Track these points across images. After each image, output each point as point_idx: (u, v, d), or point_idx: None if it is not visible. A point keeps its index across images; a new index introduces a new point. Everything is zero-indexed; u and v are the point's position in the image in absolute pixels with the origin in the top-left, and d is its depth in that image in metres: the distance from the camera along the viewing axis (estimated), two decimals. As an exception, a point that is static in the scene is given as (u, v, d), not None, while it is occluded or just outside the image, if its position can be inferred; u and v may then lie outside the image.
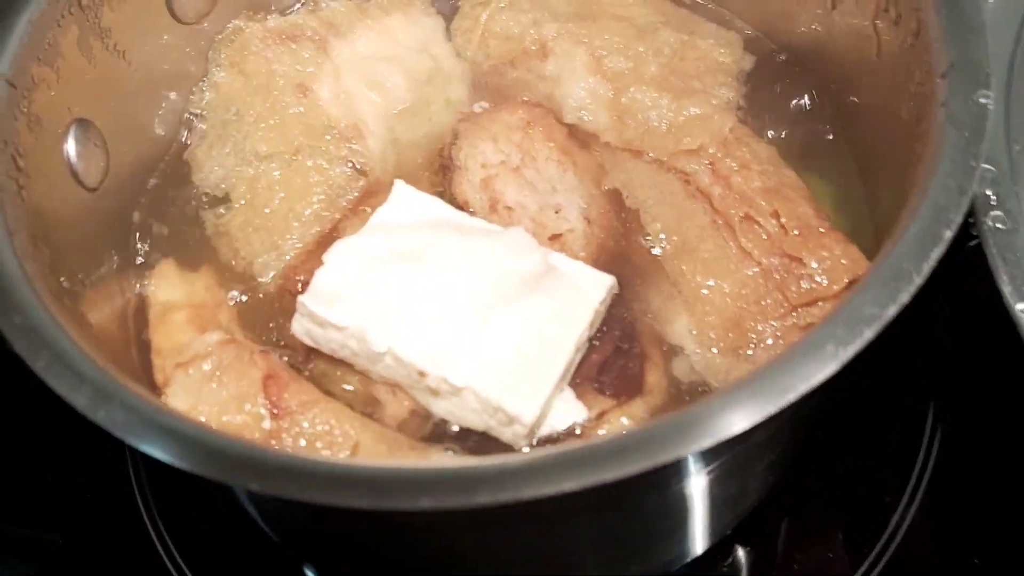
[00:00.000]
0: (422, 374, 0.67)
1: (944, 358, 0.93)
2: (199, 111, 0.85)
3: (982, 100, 0.60)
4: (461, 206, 0.78)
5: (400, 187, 0.76)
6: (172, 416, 0.54)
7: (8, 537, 0.92)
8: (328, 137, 0.81)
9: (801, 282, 0.70)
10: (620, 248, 0.78)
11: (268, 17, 0.88)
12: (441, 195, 0.78)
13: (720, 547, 0.85)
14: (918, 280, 0.53)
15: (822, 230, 0.73)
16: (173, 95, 0.86)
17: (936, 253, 0.54)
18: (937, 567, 0.84)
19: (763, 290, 0.71)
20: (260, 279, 0.77)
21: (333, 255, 0.71)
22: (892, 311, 0.52)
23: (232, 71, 0.85)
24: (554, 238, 0.76)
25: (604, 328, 0.72)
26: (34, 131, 0.70)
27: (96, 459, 0.93)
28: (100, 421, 0.53)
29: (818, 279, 0.70)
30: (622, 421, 0.67)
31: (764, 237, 0.73)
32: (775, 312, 0.71)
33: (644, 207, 0.79)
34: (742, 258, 0.73)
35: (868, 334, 0.51)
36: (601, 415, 0.68)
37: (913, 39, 0.68)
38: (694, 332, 0.72)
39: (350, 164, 0.81)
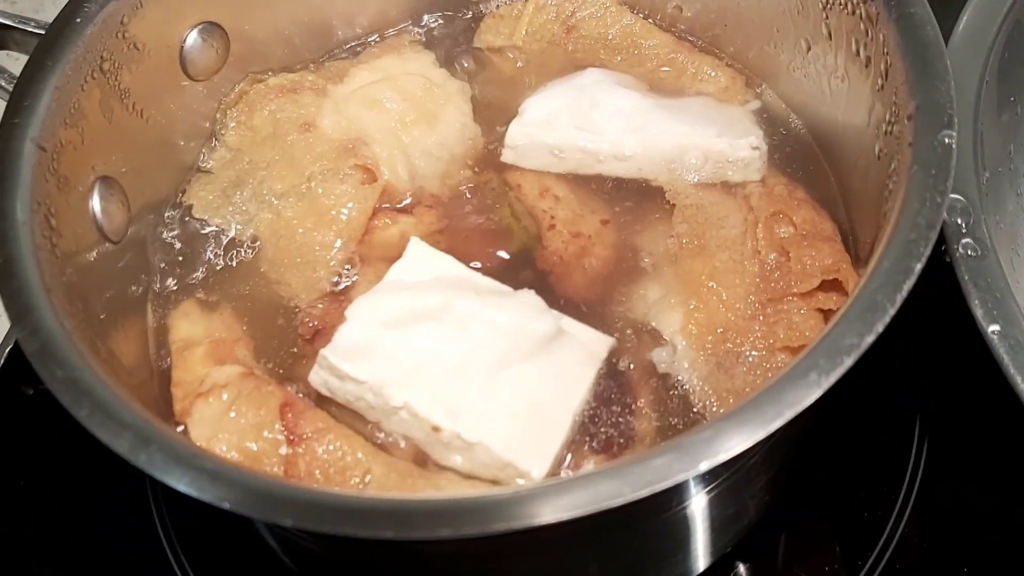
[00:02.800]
0: (436, 429, 0.70)
1: (928, 373, 0.97)
2: (209, 166, 0.90)
3: (947, 140, 0.64)
4: (514, 186, 0.86)
5: (414, 244, 0.80)
6: (207, 458, 0.58)
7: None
8: (335, 155, 0.85)
9: (789, 278, 0.74)
10: (629, 249, 0.83)
11: (270, 75, 0.93)
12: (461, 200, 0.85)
13: (721, 564, 0.89)
14: (891, 311, 0.57)
15: (826, 236, 0.77)
16: (187, 148, 0.91)
17: (907, 285, 0.58)
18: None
19: (752, 289, 0.75)
20: (294, 307, 0.81)
21: (354, 312, 0.74)
22: (869, 340, 0.56)
23: (240, 128, 0.90)
24: (576, 236, 0.82)
25: (599, 382, 0.75)
26: (63, 191, 0.74)
27: (118, 489, 0.96)
28: (141, 465, 0.56)
29: (796, 272, 0.74)
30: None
31: (781, 234, 0.77)
32: (753, 312, 0.74)
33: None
34: (752, 255, 0.77)
35: (848, 362, 0.56)
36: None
37: (883, 81, 0.73)
38: (683, 329, 0.75)
39: (361, 171, 0.84)
